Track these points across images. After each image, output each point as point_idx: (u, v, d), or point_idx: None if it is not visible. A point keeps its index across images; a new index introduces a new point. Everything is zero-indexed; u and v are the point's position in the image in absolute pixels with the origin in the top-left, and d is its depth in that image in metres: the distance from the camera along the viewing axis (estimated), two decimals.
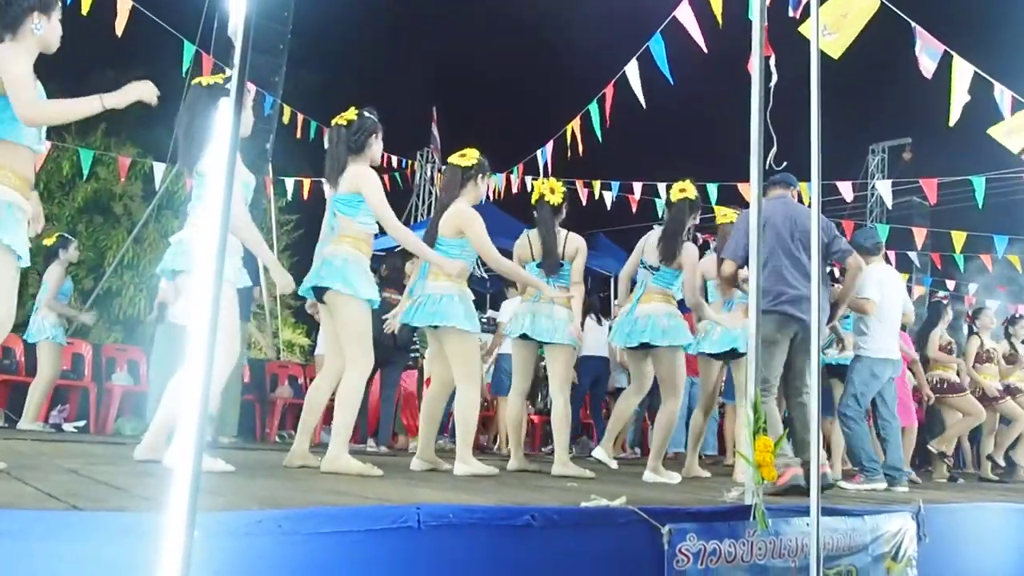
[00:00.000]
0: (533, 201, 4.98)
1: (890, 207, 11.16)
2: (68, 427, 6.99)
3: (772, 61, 3.44)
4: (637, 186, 9.45)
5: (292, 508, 2.04)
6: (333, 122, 4.11)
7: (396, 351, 6.86)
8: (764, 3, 3.07)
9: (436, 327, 4.34)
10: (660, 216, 5.24)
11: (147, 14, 6.45)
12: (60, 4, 3.05)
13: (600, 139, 7.62)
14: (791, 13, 3.86)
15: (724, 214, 5.46)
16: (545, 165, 8.82)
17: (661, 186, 9.35)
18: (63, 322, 6.78)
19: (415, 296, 4.44)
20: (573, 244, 4.85)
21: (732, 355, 5.29)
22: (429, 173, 14.77)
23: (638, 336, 4.84)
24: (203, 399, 1.32)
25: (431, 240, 4.43)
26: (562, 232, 4.88)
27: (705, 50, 5.78)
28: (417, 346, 7.04)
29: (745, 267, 4.24)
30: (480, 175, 4.52)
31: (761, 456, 2.78)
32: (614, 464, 4.99)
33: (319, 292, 3.94)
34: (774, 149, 3.13)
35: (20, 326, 8.19)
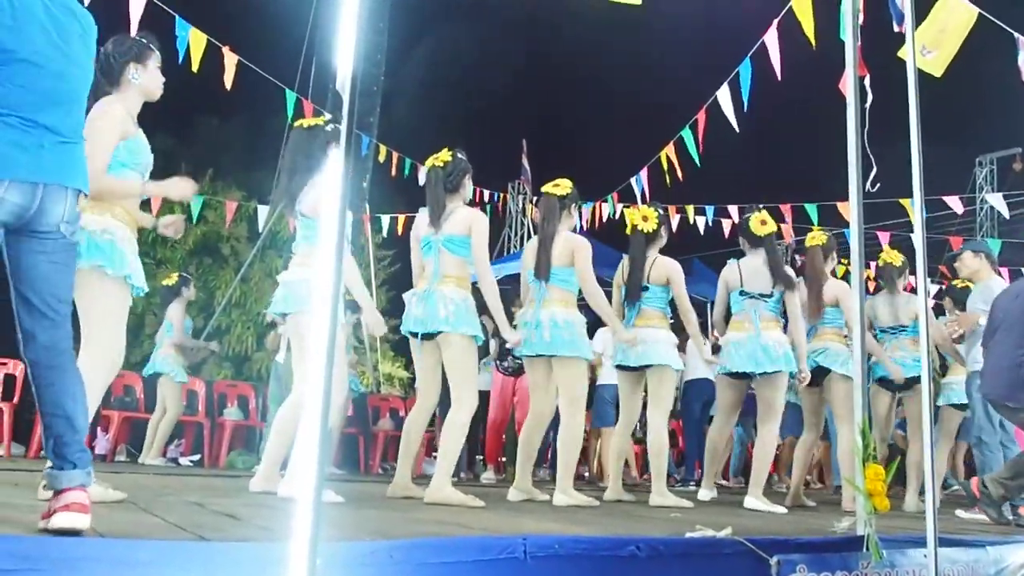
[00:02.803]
0: (628, 230, 4.99)
1: (1008, 217, 10.67)
2: (184, 461, 7.30)
3: (867, 80, 3.37)
4: (733, 209, 9.32)
5: (402, 539, 2.09)
6: (429, 163, 4.24)
7: None
8: (857, 24, 3.02)
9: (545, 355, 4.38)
10: (742, 240, 5.19)
11: (251, 67, 6.80)
12: (157, 54, 3.25)
13: (698, 163, 7.58)
14: (896, 28, 3.76)
15: (813, 236, 5.40)
16: (643, 192, 8.81)
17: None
18: (182, 360, 7.12)
19: (530, 323, 4.44)
20: (661, 270, 4.85)
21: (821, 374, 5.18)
22: (520, 205, 14.92)
23: (768, 362, 4.74)
24: (322, 431, 1.39)
25: (545, 272, 4.42)
26: (650, 258, 4.89)
27: (779, 77, 5.72)
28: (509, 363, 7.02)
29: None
30: (574, 204, 4.59)
31: (872, 484, 2.69)
32: (715, 494, 4.91)
33: (426, 332, 4.05)
34: (874, 171, 3.07)
35: (138, 364, 8.65)
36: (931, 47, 3.58)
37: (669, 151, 7.90)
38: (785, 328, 4.95)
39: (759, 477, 4.79)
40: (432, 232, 4.15)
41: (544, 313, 4.38)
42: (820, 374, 5.13)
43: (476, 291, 4.25)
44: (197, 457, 7.44)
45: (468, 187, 4.26)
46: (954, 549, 2.93)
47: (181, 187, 3.30)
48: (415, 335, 4.14)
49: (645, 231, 4.88)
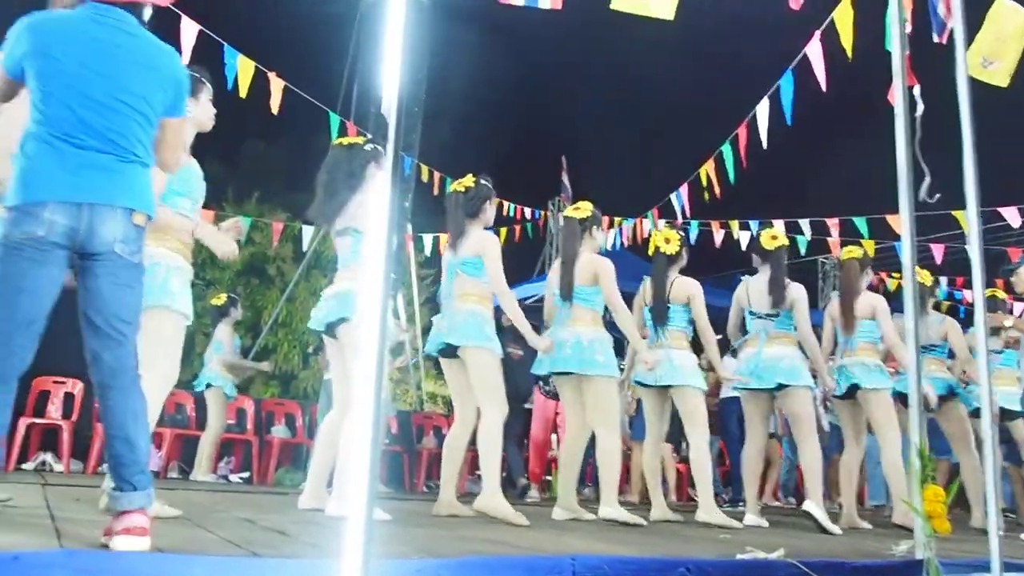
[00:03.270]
0: (650, 251, 5.08)
1: None
2: (234, 478, 7.40)
3: (917, 90, 3.30)
4: (779, 224, 9.18)
5: (449, 557, 2.09)
6: (451, 188, 4.42)
7: (515, 401, 6.92)
8: (904, 33, 2.97)
9: (572, 372, 4.43)
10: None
11: (296, 91, 6.90)
12: (208, 87, 3.37)
13: (732, 180, 7.53)
14: (935, 39, 3.68)
15: (849, 251, 5.40)
16: (682, 208, 8.76)
17: (804, 222, 9.07)
18: (231, 376, 7.24)
19: (556, 344, 4.50)
20: (683, 290, 4.89)
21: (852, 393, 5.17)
22: (561, 222, 14.90)
23: (771, 377, 4.83)
24: (373, 447, 1.39)
25: (568, 292, 4.51)
26: (671, 277, 4.95)
27: (824, 88, 5.66)
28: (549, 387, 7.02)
29: None
30: (595, 226, 4.66)
31: (931, 506, 2.61)
32: (765, 523, 4.85)
33: (451, 349, 4.17)
34: (927, 180, 3.01)
35: (188, 382, 8.80)
36: (992, 57, 3.47)
37: (709, 167, 7.86)
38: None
39: (814, 489, 4.74)
40: (451, 255, 4.31)
41: (568, 332, 4.46)
42: (854, 389, 5.12)
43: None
44: (246, 474, 7.53)
45: (489, 212, 4.37)
46: (1020, 575, 2.83)
47: (228, 247, 3.28)
48: (441, 354, 4.27)
49: (667, 253, 4.95)
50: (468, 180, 4.36)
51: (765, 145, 6.50)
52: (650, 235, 5.58)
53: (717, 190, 7.79)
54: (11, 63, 2.19)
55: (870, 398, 5.06)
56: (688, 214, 8.81)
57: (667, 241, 4.97)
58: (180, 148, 2.57)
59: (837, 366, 5.24)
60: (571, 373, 4.44)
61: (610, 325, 4.73)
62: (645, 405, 5.14)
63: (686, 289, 4.88)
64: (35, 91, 2.17)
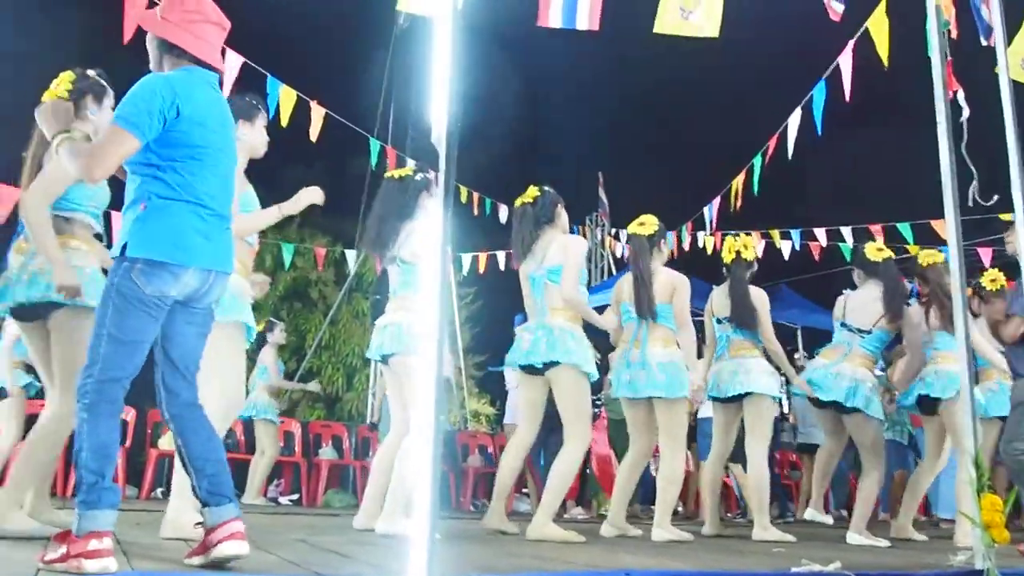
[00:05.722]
0: (728, 260, 4.92)
1: None
2: (284, 500, 7.49)
3: (961, 95, 3.28)
4: (820, 233, 9.08)
5: (506, 574, 2.11)
6: (518, 202, 4.29)
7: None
8: (945, 41, 2.96)
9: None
10: (848, 262, 5.05)
11: (336, 117, 7.02)
12: (264, 112, 3.44)
13: (756, 192, 7.52)
14: (984, 42, 3.65)
15: (930, 255, 5.04)
16: (710, 221, 8.73)
17: (846, 230, 8.94)
18: (275, 402, 7.33)
19: (634, 364, 4.41)
20: (757, 298, 4.80)
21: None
22: (600, 237, 14.89)
23: (833, 394, 4.60)
24: (434, 470, 1.43)
25: (650, 310, 4.37)
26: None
27: (847, 99, 5.62)
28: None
29: None
30: (662, 239, 4.57)
31: (989, 516, 2.58)
32: (829, 520, 4.71)
33: (541, 364, 4.02)
34: (975, 183, 2.97)
35: None
36: None
37: (739, 180, 7.87)
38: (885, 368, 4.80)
39: (862, 514, 4.58)
40: (534, 267, 4.16)
41: (646, 354, 4.36)
42: (934, 402, 4.80)
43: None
44: (296, 496, 7.61)
45: (563, 216, 4.26)
46: None
47: (311, 196, 3.51)
48: (524, 369, 4.13)
49: (748, 260, 4.86)
50: (533, 191, 4.24)
51: (791, 156, 6.49)
52: (703, 244, 5.47)
53: (738, 203, 7.79)
54: (157, 125, 2.17)
55: (952, 410, 4.62)
56: (715, 226, 8.78)
57: (746, 247, 4.88)
58: None
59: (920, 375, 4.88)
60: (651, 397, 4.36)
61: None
62: (716, 420, 5.01)
63: (756, 296, 4.80)
64: (176, 154, 2.21)
